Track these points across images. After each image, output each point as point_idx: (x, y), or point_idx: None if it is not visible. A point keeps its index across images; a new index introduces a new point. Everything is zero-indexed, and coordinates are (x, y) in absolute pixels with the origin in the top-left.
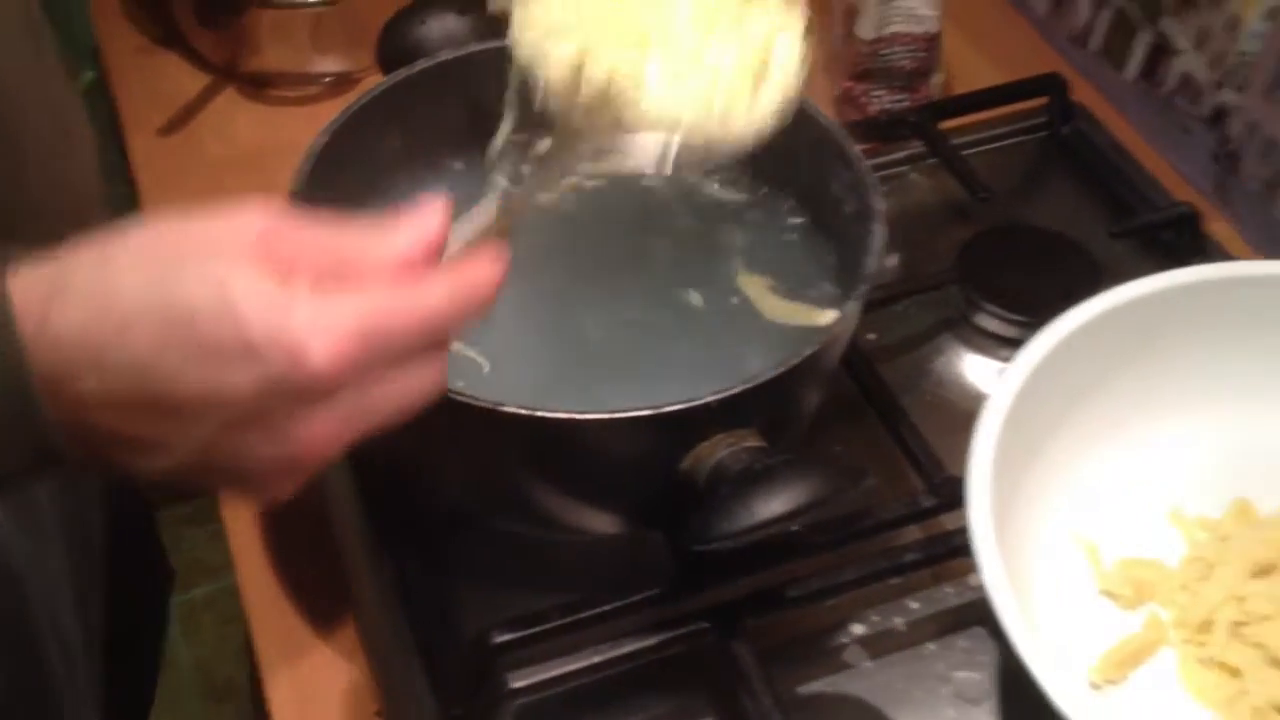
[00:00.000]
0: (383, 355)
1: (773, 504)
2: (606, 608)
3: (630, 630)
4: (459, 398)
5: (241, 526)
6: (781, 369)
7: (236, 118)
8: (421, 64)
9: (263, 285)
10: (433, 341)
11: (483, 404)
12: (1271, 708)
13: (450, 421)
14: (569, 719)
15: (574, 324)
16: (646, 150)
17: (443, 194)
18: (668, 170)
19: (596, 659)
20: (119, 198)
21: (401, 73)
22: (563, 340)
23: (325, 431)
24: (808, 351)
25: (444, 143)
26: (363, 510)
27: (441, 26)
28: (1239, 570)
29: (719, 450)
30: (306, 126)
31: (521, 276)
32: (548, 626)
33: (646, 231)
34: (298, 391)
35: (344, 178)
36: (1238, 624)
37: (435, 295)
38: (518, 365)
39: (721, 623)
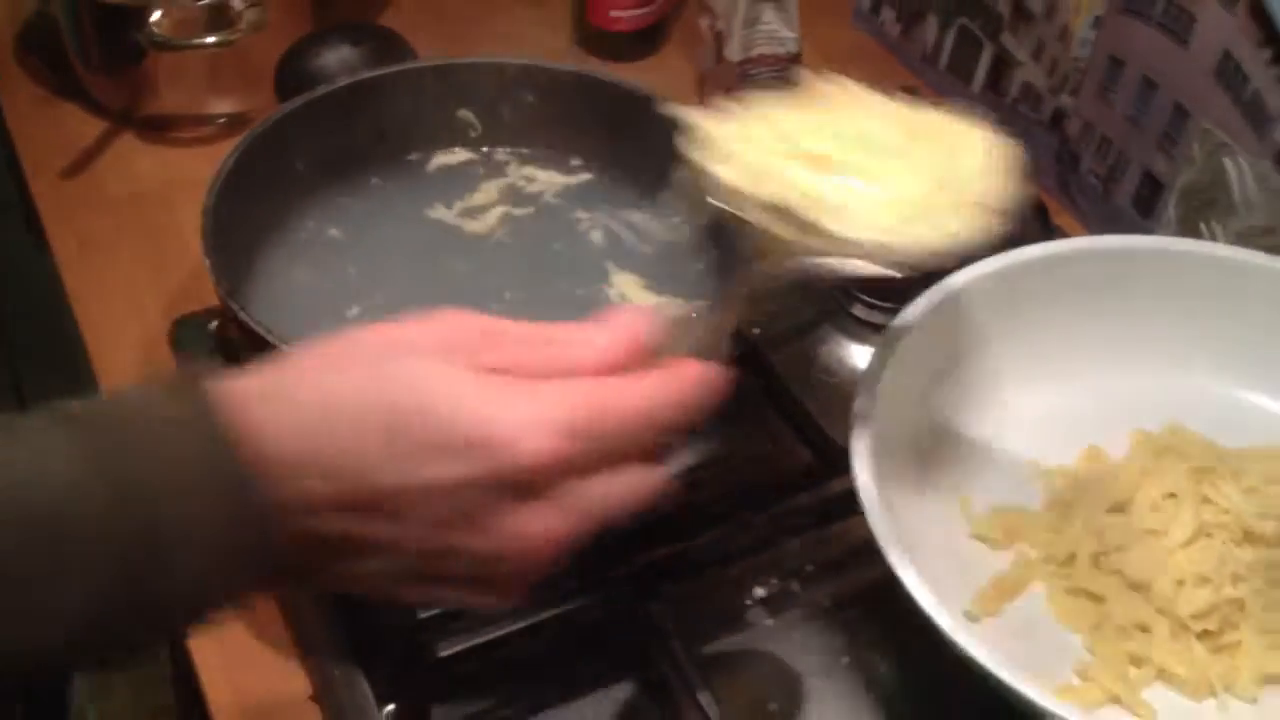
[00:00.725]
0: (595, 452)
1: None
2: None
3: (550, 597)
4: None
5: None
6: None
7: (136, 160)
8: (321, 89)
9: (470, 383)
10: (648, 438)
11: None
12: (1133, 626)
13: None
14: (497, 685)
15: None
16: (846, 262)
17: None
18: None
19: (521, 625)
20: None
21: (302, 97)
22: None
23: (536, 529)
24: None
25: (355, 162)
26: None
27: (337, 56)
28: (1095, 508)
29: None
30: (206, 166)
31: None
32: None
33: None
34: (508, 487)
35: (254, 197)
36: (1097, 555)
37: (643, 394)
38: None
39: (638, 587)
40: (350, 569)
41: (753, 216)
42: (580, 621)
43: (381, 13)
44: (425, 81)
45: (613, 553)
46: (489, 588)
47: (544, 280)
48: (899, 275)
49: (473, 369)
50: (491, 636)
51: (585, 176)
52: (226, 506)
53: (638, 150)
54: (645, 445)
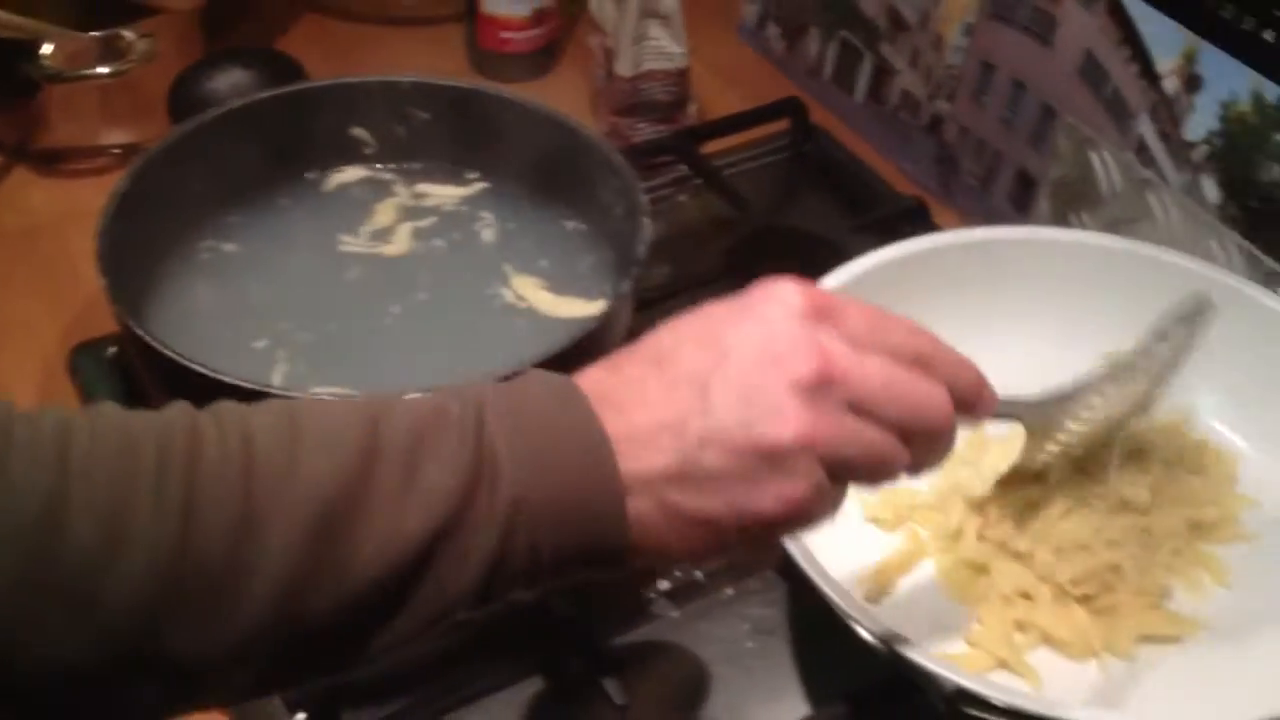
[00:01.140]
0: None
1: None
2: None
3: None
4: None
5: None
6: (566, 344)
7: (31, 193)
8: (212, 111)
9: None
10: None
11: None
12: (1016, 593)
13: None
14: (406, 688)
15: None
16: None
17: None
18: None
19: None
20: None
21: (194, 119)
22: (372, 346)
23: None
24: (580, 334)
25: (251, 183)
26: None
27: (228, 80)
28: (978, 485)
29: None
30: (101, 196)
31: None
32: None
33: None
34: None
35: (150, 220)
36: (981, 529)
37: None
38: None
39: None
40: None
41: None
42: (486, 620)
43: (274, 40)
44: (316, 101)
45: None
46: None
47: (444, 288)
48: None
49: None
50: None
51: (481, 187)
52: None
53: (529, 160)
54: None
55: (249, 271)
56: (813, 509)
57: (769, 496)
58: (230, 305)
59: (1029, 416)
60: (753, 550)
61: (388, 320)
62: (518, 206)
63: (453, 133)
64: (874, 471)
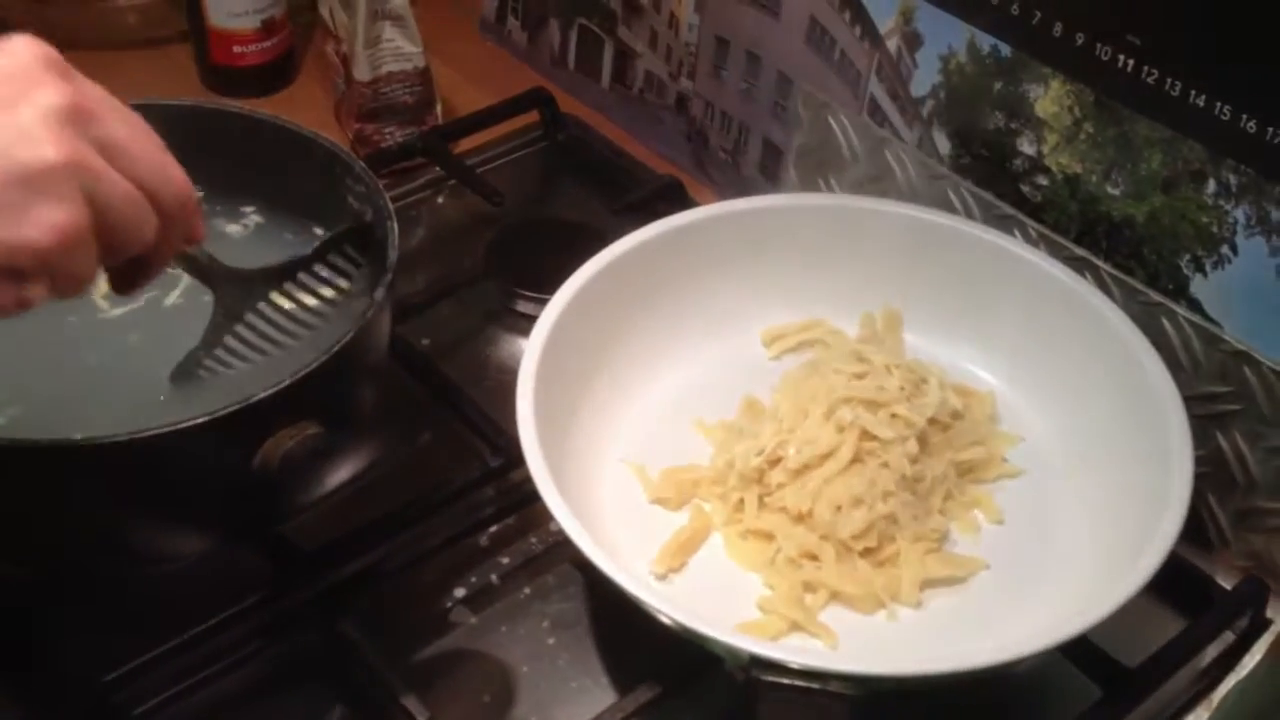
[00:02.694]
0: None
1: (341, 472)
2: (213, 620)
3: (241, 637)
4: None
5: None
6: (322, 358)
7: None
8: None
9: None
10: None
11: (31, 442)
12: (801, 556)
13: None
14: None
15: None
16: None
17: None
18: None
19: (215, 668)
20: None
21: None
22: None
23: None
24: (344, 339)
25: None
26: None
27: None
28: (755, 454)
29: (284, 443)
30: None
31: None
32: (156, 653)
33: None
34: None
35: None
36: (762, 496)
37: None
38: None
39: (326, 609)
40: None
41: None
42: (274, 654)
43: None
44: None
45: (297, 578)
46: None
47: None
48: None
49: None
50: (185, 685)
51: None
52: None
53: (267, 175)
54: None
55: None
56: (79, 250)
57: (36, 224)
58: None
59: (219, 283)
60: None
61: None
62: (257, 222)
63: (180, 154)
64: (127, 227)
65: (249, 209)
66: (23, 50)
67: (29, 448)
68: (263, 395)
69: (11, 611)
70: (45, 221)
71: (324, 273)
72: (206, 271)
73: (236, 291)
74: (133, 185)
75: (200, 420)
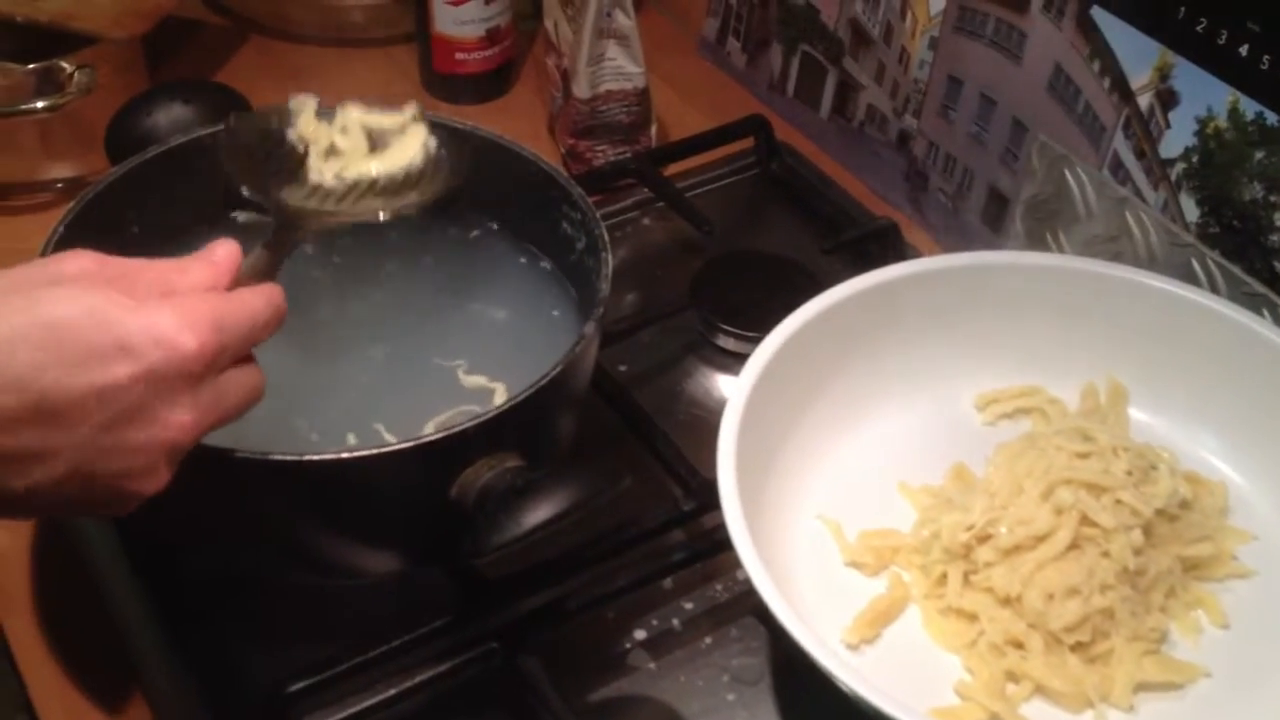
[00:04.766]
0: (230, 347)
1: (538, 512)
2: (395, 642)
3: (421, 661)
4: (238, 452)
5: (16, 612)
6: (529, 391)
7: None
8: (152, 150)
9: (118, 297)
10: (254, 342)
11: (251, 455)
12: (1006, 642)
13: (218, 477)
14: None
15: (338, 370)
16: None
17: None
18: None
19: (392, 692)
20: None
21: (133, 159)
22: (330, 385)
23: (197, 416)
24: (552, 373)
25: (195, 221)
26: (134, 579)
27: (168, 116)
28: (963, 527)
29: (483, 474)
30: (42, 233)
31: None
32: (340, 669)
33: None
34: (174, 378)
35: None
36: (968, 574)
37: (254, 301)
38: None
39: (508, 642)
40: (18, 483)
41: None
42: (453, 682)
43: (220, 69)
44: None
45: (480, 607)
46: (147, 478)
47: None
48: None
49: (112, 288)
50: (362, 706)
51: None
52: None
53: (490, 195)
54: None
55: None
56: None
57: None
58: None
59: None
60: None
61: (361, 366)
62: (470, 241)
63: None
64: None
65: (460, 220)
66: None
67: (257, 462)
68: (467, 425)
69: (203, 616)
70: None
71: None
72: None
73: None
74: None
75: (406, 445)
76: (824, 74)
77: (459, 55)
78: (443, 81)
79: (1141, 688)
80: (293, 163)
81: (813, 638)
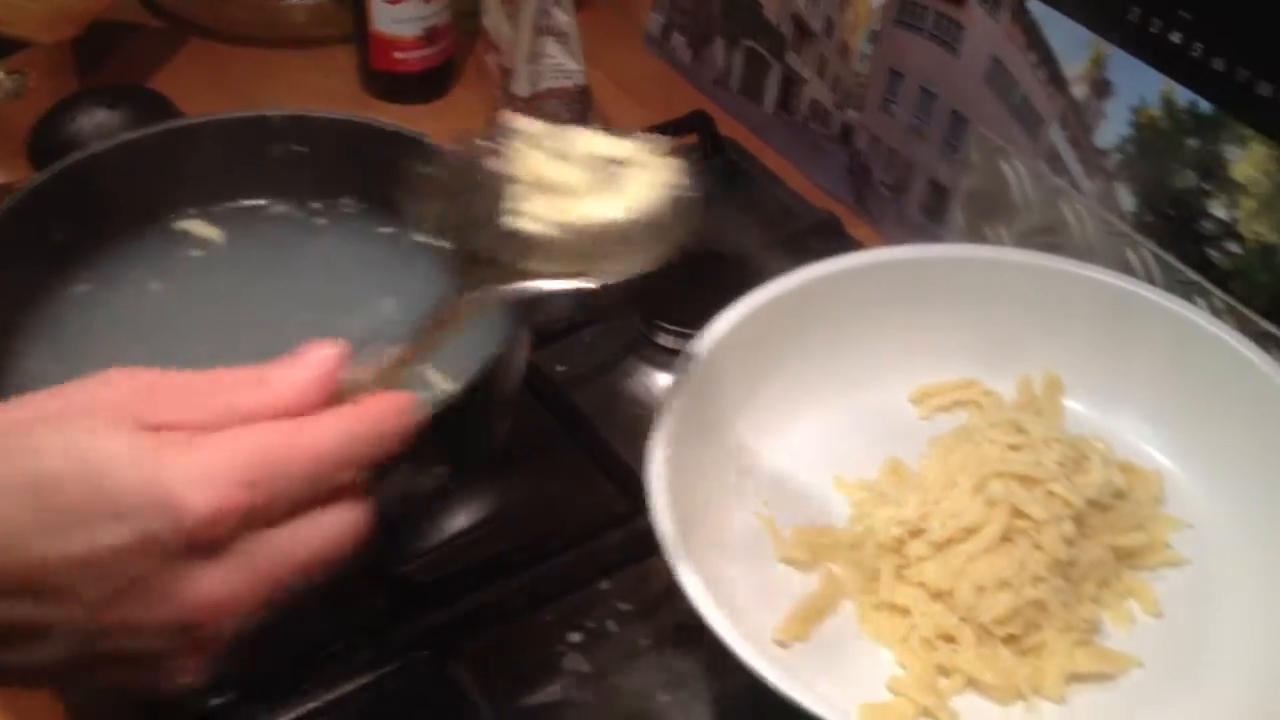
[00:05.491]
0: (279, 499)
1: (459, 519)
2: (321, 653)
3: (348, 671)
4: None
5: None
6: (451, 397)
7: None
8: (73, 156)
9: (127, 441)
10: (339, 479)
11: None
12: (937, 636)
13: None
14: None
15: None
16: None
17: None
18: None
19: (317, 704)
20: None
21: (54, 166)
22: None
23: (222, 592)
24: (477, 377)
25: (119, 228)
26: None
27: (92, 121)
28: (896, 521)
29: (405, 480)
30: None
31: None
32: (262, 679)
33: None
34: (180, 548)
35: (9, 273)
36: (901, 568)
37: (328, 431)
38: None
39: (437, 648)
40: (12, 659)
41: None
42: (381, 692)
43: (156, 72)
44: (184, 141)
45: (409, 614)
46: (173, 663)
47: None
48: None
49: (135, 427)
50: (291, 716)
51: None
52: None
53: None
54: (337, 487)
55: (118, 324)
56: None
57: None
58: (102, 356)
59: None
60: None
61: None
62: (400, 236)
63: (329, 165)
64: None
65: (390, 218)
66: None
67: None
68: None
69: None
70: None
71: None
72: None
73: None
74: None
75: None
76: (767, 68)
77: (397, 54)
78: (382, 81)
79: (1074, 679)
80: (493, 202)
81: (738, 637)
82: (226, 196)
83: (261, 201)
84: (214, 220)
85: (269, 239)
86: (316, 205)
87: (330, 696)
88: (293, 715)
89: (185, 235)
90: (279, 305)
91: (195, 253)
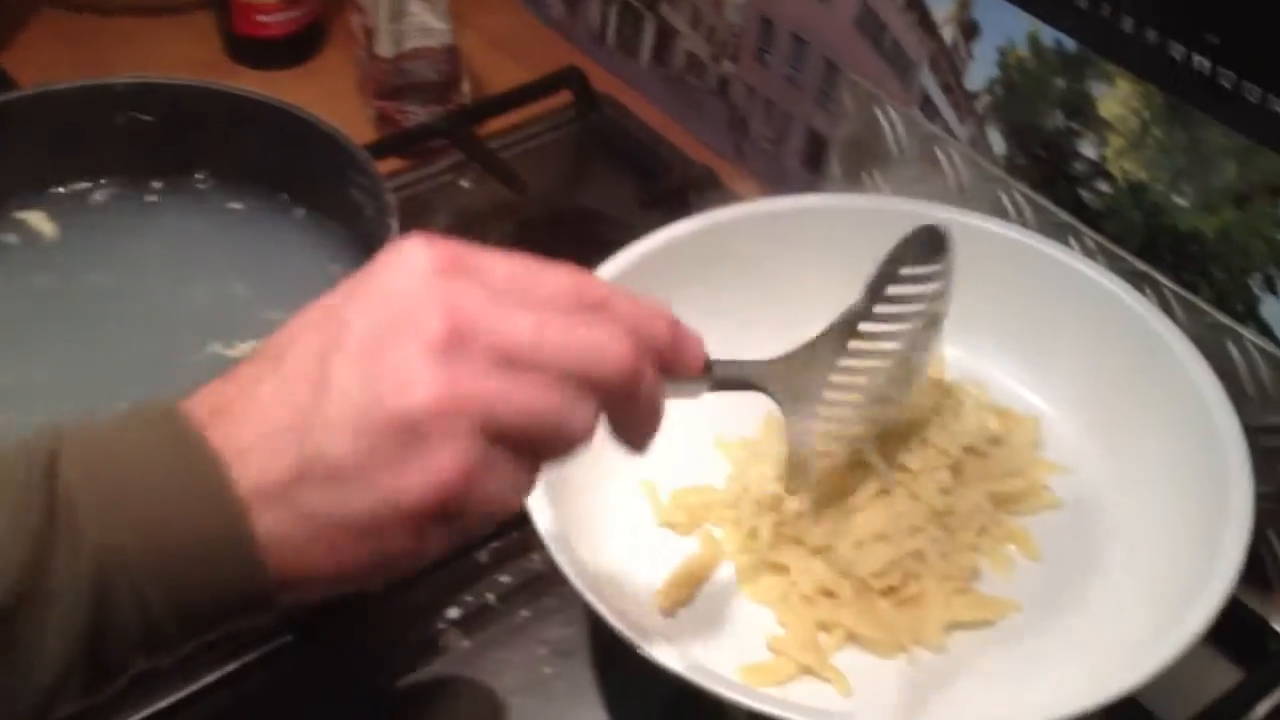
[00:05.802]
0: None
1: None
2: None
3: (212, 661)
4: None
5: None
6: None
7: None
8: None
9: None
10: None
11: None
12: (817, 592)
13: None
14: None
15: (113, 365)
16: None
17: None
18: None
19: (181, 695)
20: None
21: None
22: (102, 383)
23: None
24: None
25: None
26: None
27: None
28: (772, 478)
29: None
30: None
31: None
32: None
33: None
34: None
35: None
36: (779, 525)
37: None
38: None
39: (304, 633)
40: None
41: None
42: (249, 681)
43: (11, 40)
44: (21, 114)
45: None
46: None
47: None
48: None
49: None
50: (150, 711)
51: (212, 192)
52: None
53: (269, 161)
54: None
55: None
56: (477, 488)
57: (415, 478)
58: None
59: (767, 381)
60: (422, 552)
61: (133, 359)
62: (255, 211)
63: (180, 137)
64: (551, 434)
65: (244, 192)
66: (416, 258)
67: None
68: None
69: None
70: (424, 474)
71: (885, 310)
72: (745, 381)
73: (795, 381)
74: (543, 390)
75: None
76: (641, 21)
77: (260, 17)
78: (246, 46)
79: (954, 627)
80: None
81: (609, 611)
82: (65, 177)
83: (103, 180)
84: (48, 205)
85: (104, 223)
86: (158, 184)
87: (194, 688)
88: (152, 710)
89: (21, 224)
90: (118, 299)
91: (18, 240)
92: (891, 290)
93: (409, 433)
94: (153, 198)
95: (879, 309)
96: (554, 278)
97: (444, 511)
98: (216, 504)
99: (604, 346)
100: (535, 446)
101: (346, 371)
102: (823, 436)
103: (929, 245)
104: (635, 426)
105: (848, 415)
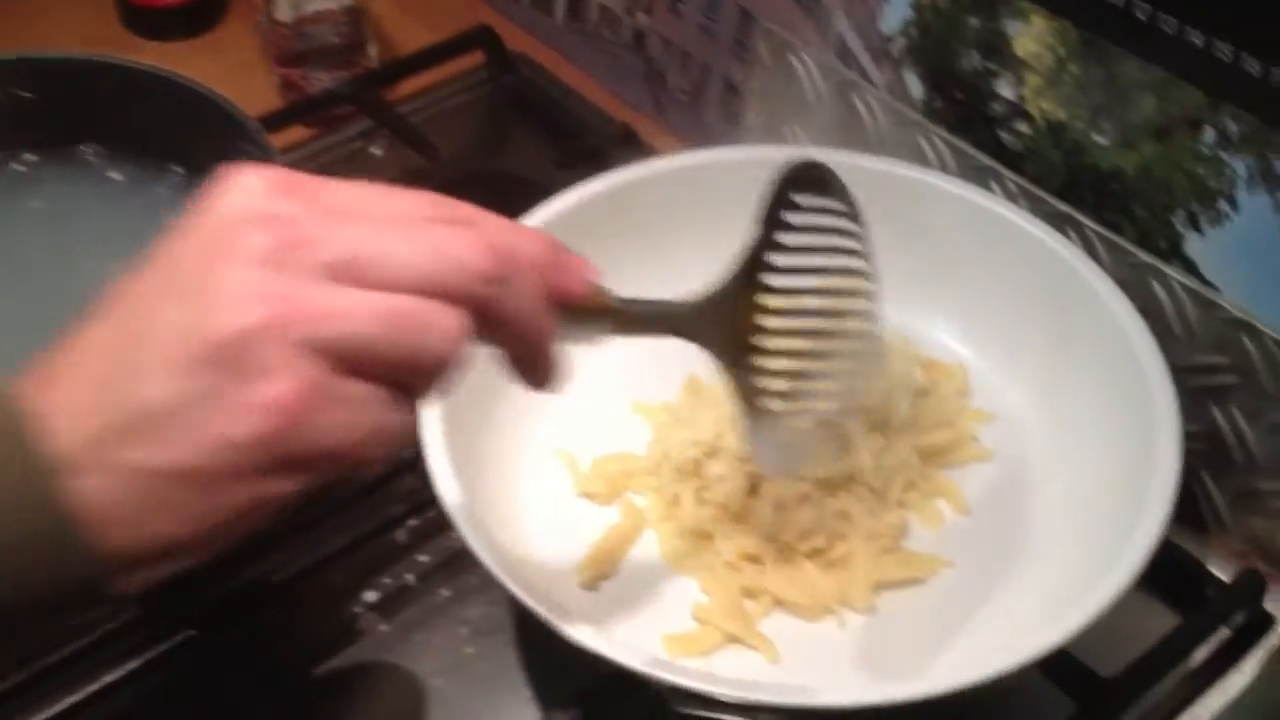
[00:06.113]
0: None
1: None
2: (78, 644)
3: (108, 661)
4: None
5: None
6: None
7: None
8: None
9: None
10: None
11: None
12: (741, 558)
13: None
14: None
15: None
16: None
17: None
18: None
19: (84, 694)
20: None
21: None
22: None
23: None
24: None
25: None
26: None
27: None
28: (692, 442)
29: None
30: None
31: None
32: (15, 682)
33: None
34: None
35: None
36: (700, 491)
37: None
38: None
39: (207, 627)
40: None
41: None
42: (159, 673)
43: None
44: None
45: (170, 594)
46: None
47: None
48: None
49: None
50: (54, 712)
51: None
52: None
53: (162, 134)
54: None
55: None
56: (320, 417)
57: (241, 411)
58: None
59: (684, 325)
60: (267, 499)
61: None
62: (140, 183)
63: (65, 112)
64: (407, 355)
65: (126, 164)
66: (241, 187)
67: None
68: None
69: None
70: (252, 403)
71: (794, 241)
72: (659, 321)
73: (716, 329)
74: (390, 300)
75: None
76: None
77: None
78: (143, 17)
79: (883, 586)
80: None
81: (526, 586)
82: None
83: None
84: None
85: None
86: (32, 157)
87: (96, 686)
88: (56, 710)
89: None
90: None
91: None
92: (794, 219)
93: (232, 361)
94: (22, 168)
95: (785, 239)
96: (410, 197)
97: (282, 448)
98: (22, 471)
99: (456, 254)
100: (393, 373)
101: (166, 306)
102: (790, 405)
103: (814, 182)
104: (525, 359)
105: (809, 377)
